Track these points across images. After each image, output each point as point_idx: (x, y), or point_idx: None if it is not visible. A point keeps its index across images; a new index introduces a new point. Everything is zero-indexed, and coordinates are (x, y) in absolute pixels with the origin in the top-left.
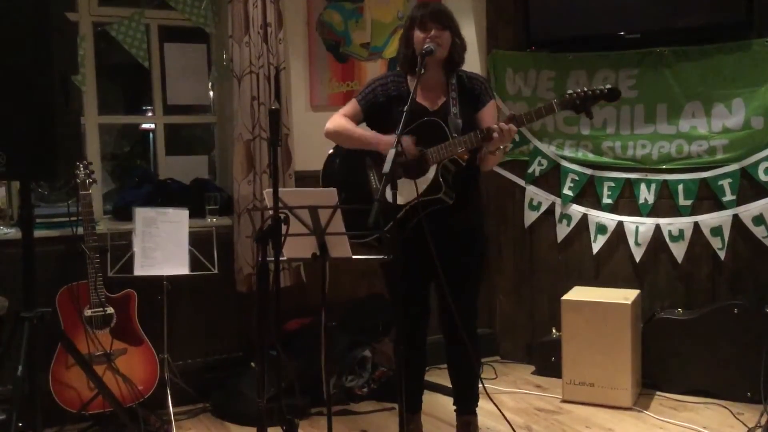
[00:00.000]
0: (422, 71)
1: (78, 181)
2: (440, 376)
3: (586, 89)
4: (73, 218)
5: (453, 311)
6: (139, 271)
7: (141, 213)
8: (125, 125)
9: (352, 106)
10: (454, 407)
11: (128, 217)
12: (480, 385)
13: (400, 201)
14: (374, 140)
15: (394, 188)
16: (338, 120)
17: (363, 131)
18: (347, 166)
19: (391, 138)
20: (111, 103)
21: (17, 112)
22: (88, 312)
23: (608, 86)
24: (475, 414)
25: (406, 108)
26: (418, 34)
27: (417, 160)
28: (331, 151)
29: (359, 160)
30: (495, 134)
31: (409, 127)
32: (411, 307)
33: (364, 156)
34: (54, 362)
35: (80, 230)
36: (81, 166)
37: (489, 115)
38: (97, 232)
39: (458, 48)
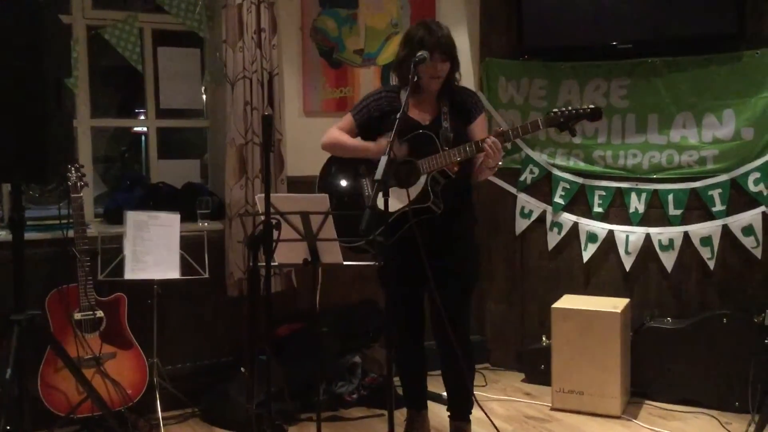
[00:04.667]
0: (414, 79)
1: (69, 183)
2: (431, 383)
3: (570, 108)
4: (63, 221)
5: (444, 316)
6: (129, 274)
7: (132, 216)
8: (118, 128)
9: (347, 120)
10: (448, 413)
11: (119, 221)
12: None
13: (389, 208)
14: (366, 148)
15: (386, 195)
16: (333, 133)
17: (356, 141)
18: (342, 175)
19: (382, 144)
20: (104, 106)
21: (9, 115)
22: (77, 315)
23: (591, 106)
24: (468, 421)
25: (399, 115)
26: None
27: (408, 169)
28: (326, 160)
29: (353, 169)
30: (486, 147)
31: (403, 139)
32: (408, 310)
33: (358, 165)
34: (43, 365)
35: (71, 233)
36: (72, 168)
37: (480, 128)
38: (87, 235)
39: (454, 74)
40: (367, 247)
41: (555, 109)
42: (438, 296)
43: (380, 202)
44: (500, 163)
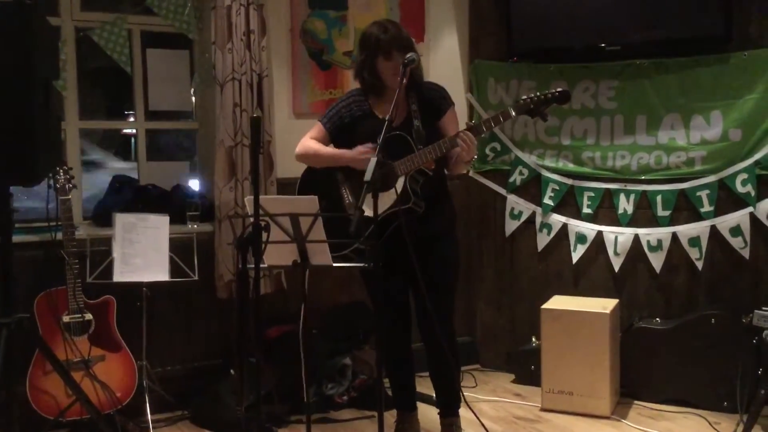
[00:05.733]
0: (404, 81)
1: (58, 185)
2: (420, 384)
3: (538, 93)
4: (52, 223)
5: (429, 315)
6: (118, 277)
7: (121, 219)
8: (107, 130)
9: (318, 129)
10: (438, 411)
11: (108, 223)
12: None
13: (371, 213)
14: (342, 155)
15: (375, 197)
16: (306, 143)
17: (331, 149)
18: (321, 184)
19: (357, 149)
20: (92, 108)
21: None
22: (66, 318)
23: (559, 89)
24: (457, 416)
25: (388, 117)
26: (383, 63)
27: (385, 172)
28: (302, 172)
29: (331, 177)
30: (460, 142)
31: (376, 143)
32: (394, 311)
33: (336, 172)
34: (31, 369)
35: (59, 235)
36: (61, 170)
37: (451, 122)
38: (76, 237)
39: (417, 69)
40: (352, 256)
41: (524, 96)
42: (426, 294)
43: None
44: (475, 156)
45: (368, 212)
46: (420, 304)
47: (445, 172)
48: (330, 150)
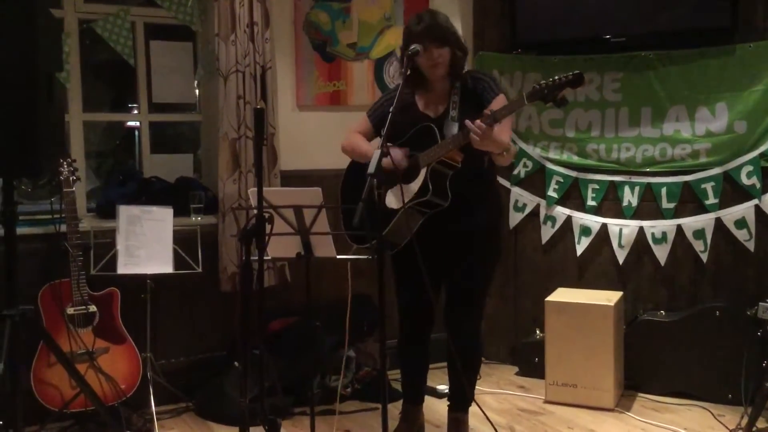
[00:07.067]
0: (408, 72)
1: (61, 178)
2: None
3: (553, 78)
4: (56, 216)
5: (454, 313)
6: (122, 269)
7: (125, 211)
8: (110, 123)
9: (363, 121)
10: (448, 403)
11: (112, 215)
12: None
13: (392, 205)
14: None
15: (379, 189)
16: (351, 137)
17: (366, 147)
18: (361, 179)
19: (396, 155)
20: (96, 100)
21: (0, 109)
22: (70, 310)
23: (573, 72)
24: (466, 412)
25: (392, 109)
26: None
27: (410, 164)
28: (350, 161)
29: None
30: (471, 134)
31: (406, 136)
32: (417, 306)
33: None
34: (36, 360)
35: (63, 228)
36: (65, 163)
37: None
38: (80, 229)
39: (460, 59)
40: (370, 246)
41: (541, 82)
42: (448, 293)
43: (389, 198)
44: (511, 144)
45: (392, 204)
46: (448, 300)
47: (487, 166)
48: (366, 147)
